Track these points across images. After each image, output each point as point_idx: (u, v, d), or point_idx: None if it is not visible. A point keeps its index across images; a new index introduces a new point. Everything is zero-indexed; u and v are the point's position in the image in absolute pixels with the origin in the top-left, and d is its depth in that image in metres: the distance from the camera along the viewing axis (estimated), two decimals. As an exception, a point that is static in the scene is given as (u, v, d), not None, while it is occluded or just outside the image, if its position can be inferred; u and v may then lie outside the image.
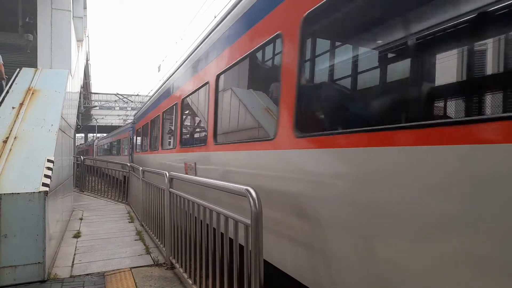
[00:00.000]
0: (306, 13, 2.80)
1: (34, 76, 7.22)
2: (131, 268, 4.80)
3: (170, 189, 4.64)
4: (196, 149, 5.54)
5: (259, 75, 4.06)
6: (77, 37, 13.04)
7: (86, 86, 29.12)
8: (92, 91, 36.59)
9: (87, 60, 22.93)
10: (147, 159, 10.24)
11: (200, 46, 5.79)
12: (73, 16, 13.88)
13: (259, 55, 3.83)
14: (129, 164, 9.78)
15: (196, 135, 6.67)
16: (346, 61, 2.72)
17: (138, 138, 13.23)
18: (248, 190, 2.43)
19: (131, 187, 9.79)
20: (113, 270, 4.71)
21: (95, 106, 37.73)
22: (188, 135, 7.18)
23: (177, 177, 4.58)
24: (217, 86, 4.82)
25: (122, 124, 26.90)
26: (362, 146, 2.18)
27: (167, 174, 4.78)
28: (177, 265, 4.44)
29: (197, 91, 5.79)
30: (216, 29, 5.01)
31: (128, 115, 38.19)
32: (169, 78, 8.22)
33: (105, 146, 26.77)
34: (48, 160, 4.86)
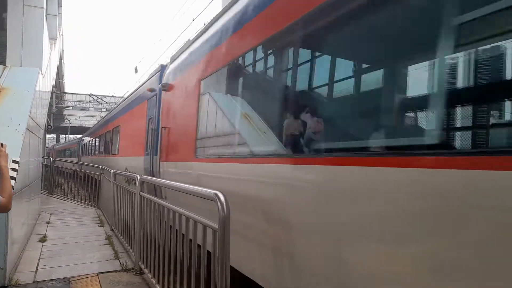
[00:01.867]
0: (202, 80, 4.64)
1: (2, 74, 6.96)
2: (98, 273, 4.67)
3: (141, 192, 4.57)
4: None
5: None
6: (50, 35, 12.67)
7: (59, 85, 28.29)
8: (66, 91, 35.60)
9: (60, 59, 22.30)
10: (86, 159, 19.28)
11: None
12: (47, 14, 13.51)
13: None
14: (100, 167, 9.55)
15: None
16: (223, 111, 4.11)
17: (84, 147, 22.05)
18: (216, 194, 2.42)
19: (102, 190, 9.56)
20: (80, 276, 4.58)
21: (68, 106, 36.67)
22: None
23: (148, 180, 4.52)
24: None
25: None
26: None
27: (138, 177, 4.71)
28: (146, 270, 4.37)
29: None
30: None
31: (102, 117, 37.46)
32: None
33: (61, 151, 34.66)
34: (13, 161, 4.68)
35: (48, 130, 23.68)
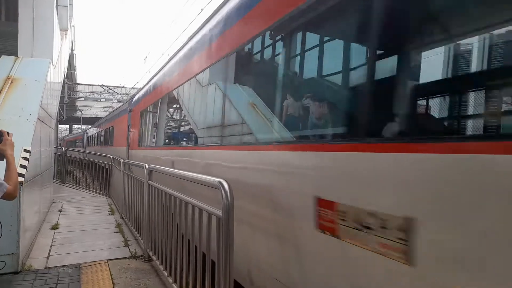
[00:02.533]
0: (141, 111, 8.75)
1: (14, 65, 7.06)
2: (108, 260, 4.77)
3: (149, 181, 4.62)
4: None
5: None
6: (61, 26, 12.77)
7: (71, 76, 28.57)
8: (78, 82, 35.95)
9: (72, 50, 22.48)
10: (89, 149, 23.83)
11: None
12: (58, 5, 13.60)
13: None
14: (111, 157, 9.68)
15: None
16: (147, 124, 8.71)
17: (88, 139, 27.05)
18: (220, 182, 2.44)
19: (112, 179, 9.70)
20: (90, 262, 4.68)
21: (80, 97, 37.06)
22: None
23: (156, 169, 4.57)
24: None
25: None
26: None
27: (147, 166, 4.76)
28: (154, 258, 4.44)
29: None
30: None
31: (114, 107, 37.80)
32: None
33: (71, 142, 40.04)
34: (25, 150, 4.78)
35: (60, 121, 24.01)
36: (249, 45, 3.56)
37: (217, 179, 2.49)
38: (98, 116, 40.80)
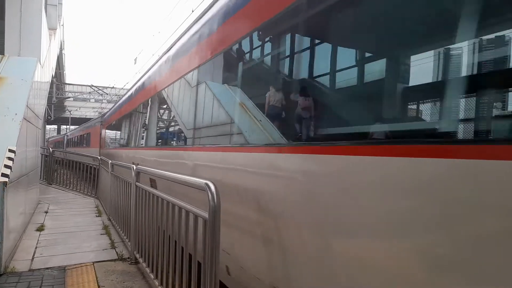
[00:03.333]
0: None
1: (0, 63, 6.95)
2: (94, 262, 4.71)
3: (137, 182, 4.58)
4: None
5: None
6: (50, 25, 12.62)
7: (59, 76, 28.23)
8: (67, 82, 35.53)
9: (61, 50, 22.24)
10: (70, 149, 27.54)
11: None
12: (47, 3, 13.45)
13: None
14: (99, 157, 9.58)
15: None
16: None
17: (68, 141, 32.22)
18: (207, 184, 2.43)
19: (100, 180, 9.59)
20: (75, 264, 4.61)
21: (69, 97, 36.64)
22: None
23: (143, 170, 4.53)
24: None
25: (96, 116, 28.83)
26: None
27: (134, 167, 4.71)
28: (140, 260, 4.40)
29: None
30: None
31: (103, 108, 37.40)
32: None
33: (54, 143, 42.16)
34: (10, 150, 4.70)
35: (48, 121, 23.70)
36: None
37: (204, 181, 2.48)
38: (87, 117, 40.40)
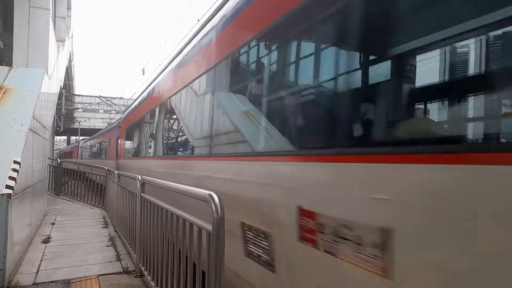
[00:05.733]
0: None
1: (8, 75, 6.98)
2: (98, 275, 4.62)
3: (142, 193, 4.51)
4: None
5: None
6: (58, 37, 12.77)
7: (68, 87, 28.56)
8: (76, 93, 35.94)
9: (70, 61, 22.50)
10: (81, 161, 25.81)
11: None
12: (55, 16, 13.62)
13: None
14: (106, 168, 9.56)
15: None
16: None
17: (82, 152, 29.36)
18: (211, 195, 2.33)
19: (107, 191, 9.56)
20: (80, 278, 4.53)
21: (78, 108, 37.03)
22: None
23: (148, 181, 4.46)
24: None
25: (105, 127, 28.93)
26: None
27: (139, 178, 4.65)
28: (145, 273, 4.30)
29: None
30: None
31: (112, 118, 37.71)
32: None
33: (62, 154, 42.16)
34: (15, 162, 4.67)
35: (57, 132, 23.91)
36: None
37: (208, 192, 2.39)
38: (96, 128, 40.70)
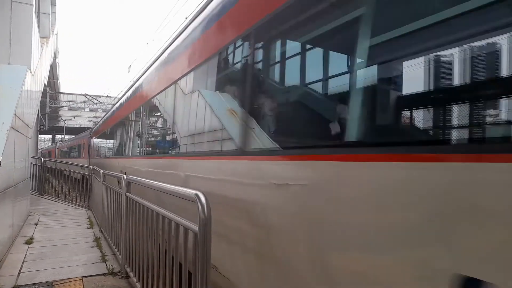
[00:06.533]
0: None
1: (-12, 72, 6.78)
2: (82, 277, 4.51)
3: (127, 193, 4.42)
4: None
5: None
6: (42, 34, 12.47)
7: (53, 85, 28.02)
8: (60, 91, 35.27)
9: (54, 59, 22.06)
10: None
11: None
12: (39, 12, 13.31)
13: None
14: (91, 167, 9.39)
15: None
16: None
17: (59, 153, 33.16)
18: (197, 195, 2.28)
19: (93, 191, 9.39)
20: (63, 280, 4.42)
21: (63, 106, 36.38)
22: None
23: (134, 180, 4.37)
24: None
25: (91, 126, 29.13)
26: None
27: (125, 177, 4.55)
28: (131, 274, 4.21)
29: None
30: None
31: (98, 117, 37.16)
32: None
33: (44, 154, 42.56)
34: (-5, 161, 4.52)
35: (41, 130, 23.45)
36: None
37: (194, 191, 2.34)
38: (82, 126, 40.02)
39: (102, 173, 6.90)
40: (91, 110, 44.46)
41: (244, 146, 3.00)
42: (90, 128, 25.26)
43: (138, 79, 8.43)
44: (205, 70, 4.19)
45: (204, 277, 2.20)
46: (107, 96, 34.80)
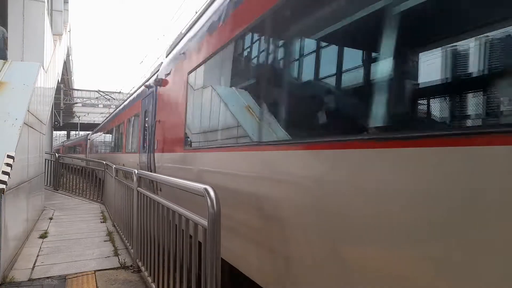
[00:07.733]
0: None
1: (2, 68, 6.86)
2: (95, 271, 4.56)
3: (138, 188, 4.43)
4: None
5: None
6: (55, 31, 12.58)
7: (67, 82, 28.31)
8: (75, 88, 35.64)
9: (68, 56, 22.27)
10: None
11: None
12: (51, 9, 13.42)
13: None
14: (104, 162, 9.47)
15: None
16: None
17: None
18: (206, 190, 2.25)
19: (106, 186, 9.49)
20: (76, 273, 4.47)
21: (77, 103, 36.83)
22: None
23: (144, 175, 4.38)
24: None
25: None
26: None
27: (136, 172, 4.56)
28: (143, 268, 4.23)
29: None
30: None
31: (112, 113, 37.60)
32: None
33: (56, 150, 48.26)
34: (8, 156, 4.57)
35: (55, 127, 23.79)
36: None
37: (203, 186, 2.30)
38: (95, 122, 40.48)
39: (115, 168, 6.95)
40: (104, 106, 44.88)
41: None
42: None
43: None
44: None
45: (214, 272, 2.17)
46: (120, 92, 35.08)
